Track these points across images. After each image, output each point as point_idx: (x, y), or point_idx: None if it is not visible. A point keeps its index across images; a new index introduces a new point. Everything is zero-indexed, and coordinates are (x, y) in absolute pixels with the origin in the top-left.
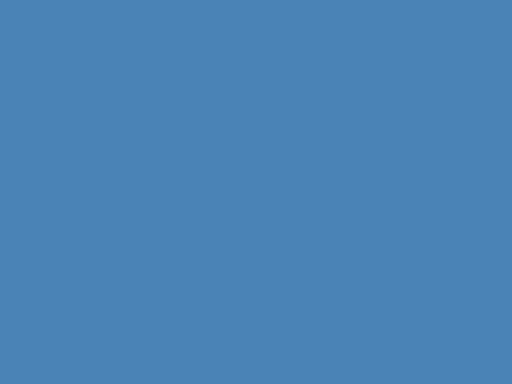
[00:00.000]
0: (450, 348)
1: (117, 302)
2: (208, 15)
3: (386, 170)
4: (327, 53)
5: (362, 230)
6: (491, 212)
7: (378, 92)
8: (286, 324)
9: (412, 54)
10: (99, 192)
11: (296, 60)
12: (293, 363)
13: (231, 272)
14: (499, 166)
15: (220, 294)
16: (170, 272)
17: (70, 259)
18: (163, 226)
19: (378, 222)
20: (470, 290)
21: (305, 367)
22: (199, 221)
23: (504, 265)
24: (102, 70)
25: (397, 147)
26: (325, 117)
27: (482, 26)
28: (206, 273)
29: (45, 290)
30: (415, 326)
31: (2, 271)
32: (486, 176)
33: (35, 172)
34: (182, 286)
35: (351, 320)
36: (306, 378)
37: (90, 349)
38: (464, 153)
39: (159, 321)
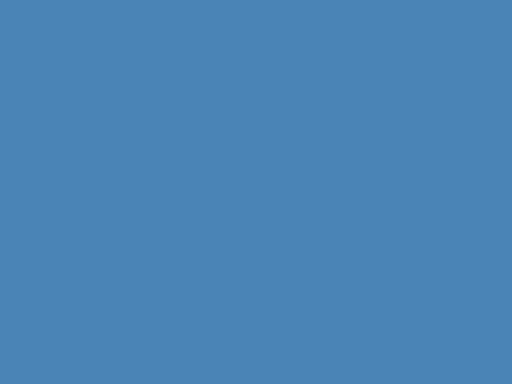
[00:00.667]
0: (450, 348)
1: (117, 301)
2: (208, 15)
3: (386, 169)
4: (327, 53)
5: (362, 230)
6: (491, 212)
7: (378, 92)
8: (286, 324)
9: (412, 54)
10: (99, 191)
11: (296, 60)
12: (293, 363)
13: (231, 272)
14: (499, 166)
15: (220, 294)
16: (170, 272)
17: (70, 259)
18: (163, 225)
19: (378, 222)
20: (470, 290)
21: (305, 367)
22: (199, 221)
23: (504, 265)
24: (102, 70)
25: (397, 147)
26: (325, 117)
27: (482, 26)
28: (206, 273)
29: (45, 290)
30: (415, 325)
31: (1, 271)
32: (486, 176)
33: (35, 172)
34: (182, 286)
35: (351, 320)
36: (306, 377)
37: (90, 349)
38: (464, 153)
39: (159, 321)
